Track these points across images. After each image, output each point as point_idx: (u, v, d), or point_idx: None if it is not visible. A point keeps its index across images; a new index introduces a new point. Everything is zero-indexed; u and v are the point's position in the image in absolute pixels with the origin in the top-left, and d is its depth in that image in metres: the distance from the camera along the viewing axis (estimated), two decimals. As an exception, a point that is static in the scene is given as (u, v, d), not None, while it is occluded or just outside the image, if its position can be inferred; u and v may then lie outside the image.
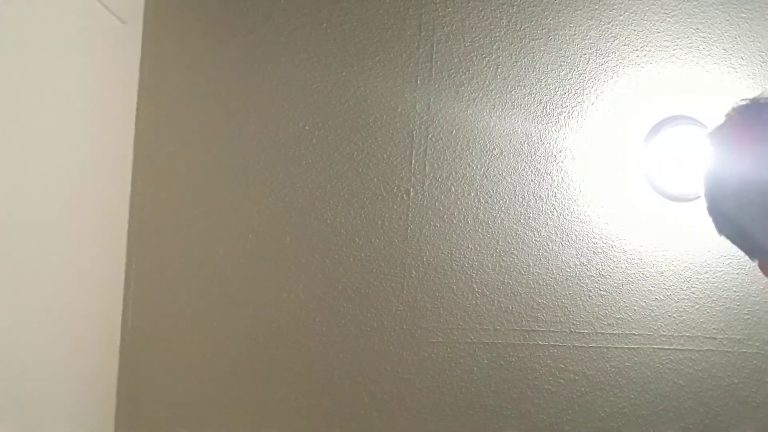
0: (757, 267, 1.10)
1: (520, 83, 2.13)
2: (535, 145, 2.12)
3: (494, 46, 2.14)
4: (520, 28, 2.14)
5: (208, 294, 2.14)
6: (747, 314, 2.03)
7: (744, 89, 2.05)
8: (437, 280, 2.10)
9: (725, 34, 2.08)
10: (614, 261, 2.08)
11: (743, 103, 1.06)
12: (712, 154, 1.08)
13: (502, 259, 2.10)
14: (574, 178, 2.11)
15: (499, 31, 2.14)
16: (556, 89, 2.12)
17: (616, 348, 2.06)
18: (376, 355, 2.09)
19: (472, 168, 2.12)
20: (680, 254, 2.06)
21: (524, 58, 2.13)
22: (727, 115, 1.07)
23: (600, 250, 2.08)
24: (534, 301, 2.08)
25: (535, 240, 2.10)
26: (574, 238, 2.09)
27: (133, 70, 2.16)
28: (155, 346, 2.13)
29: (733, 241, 1.09)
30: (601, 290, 2.08)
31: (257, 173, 2.15)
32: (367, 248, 2.12)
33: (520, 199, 2.11)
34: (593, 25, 2.12)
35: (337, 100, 2.16)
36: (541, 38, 2.13)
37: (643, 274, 2.07)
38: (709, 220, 1.09)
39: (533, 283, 2.09)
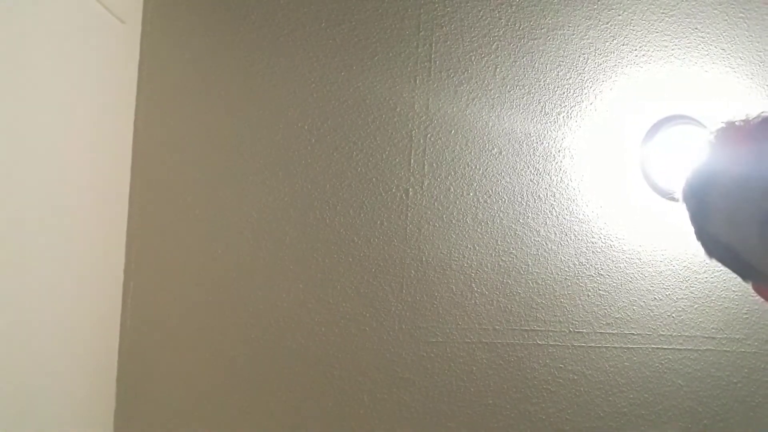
0: (751, 288, 1.08)
1: (519, 83, 2.13)
2: (534, 144, 2.12)
3: (493, 46, 2.14)
4: (519, 27, 2.14)
5: (208, 294, 2.14)
6: (746, 314, 2.03)
7: (742, 89, 2.06)
8: (436, 280, 2.10)
9: (724, 34, 2.08)
10: (613, 260, 2.08)
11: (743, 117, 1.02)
12: (696, 173, 1.03)
13: (501, 259, 2.10)
14: (573, 177, 2.11)
15: (498, 30, 2.14)
16: (555, 89, 2.12)
17: (615, 347, 2.06)
18: (375, 354, 2.10)
19: (471, 168, 2.12)
20: (679, 254, 2.06)
21: (523, 58, 2.14)
22: (723, 125, 1.03)
23: (599, 250, 2.09)
24: (533, 300, 2.09)
25: (534, 240, 2.10)
26: (573, 237, 2.09)
27: (132, 70, 2.16)
28: (154, 346, 2.13)
29: (725, 264, 1.05)
30: (600, 290, 2.08)
31: (256, 173, 2.15)
32: (366, 248, 2.12)
33: (519, 199, 2.11)
34: (592, 24, 2.13)
35: (336, 99, 2.16)
36: (540, 38, 2.14)
37: (641, 273, 2.08)
38: (698, 245, 1.07)
39: (532, 283, 2.09)
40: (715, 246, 1.04)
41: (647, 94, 2.09)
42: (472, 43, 2.15)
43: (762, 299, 1.07)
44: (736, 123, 1.01)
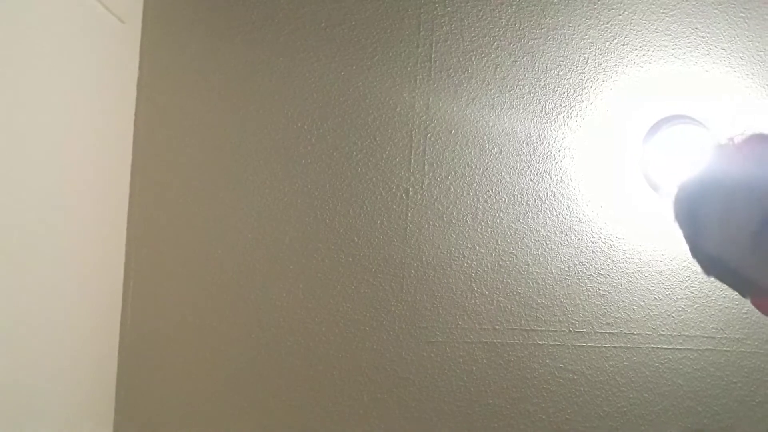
0: (751, 304, 1.07)
1: (519, 83, 2.13)
2: (534, 144, 2.12)
3: (493, 46, 2.14)
4: (519, 27, 2.14)
5: (208, 294, 2.14)
6: (746, 313, 2.03)
7: (743, 89, 2.06)
8: (436, 280, 2.10)
9: (724, 34, 2.08)
10: (613, 260, 2.08)
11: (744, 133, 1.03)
12: (686, 191, 1.04)
13: (501, 259, 2.10)
14: (573, 177, 2.11)
15: (498, 30, 2.14)
16: (555, 89, 2.12)
17: (614, 347, 2.06)
18: (375, 354, 2.10)
19: (471, 167, 2.12)
20: (679, 253, 2.06)
21: (523, 58, 2.13)
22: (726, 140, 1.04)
23: (599, 250, 2.09)
24: (533, 300, 2.09)
25: (534, 239, 2.10)
26: (573, 237, 2.09)
27: (132, 70, 2.16)
28: (154, 346, 2.13)
29: (723, 281, 1.06)
30: (600, 289, 2.08)
31: (256, 173, 2.15)
32: (366, 248, 2.12)
33: (519, 199, 2.11)
34: (592, 24, 2.12)
35: (336, 99, 2.16)
36: (540, 38, 2.13)
37: (641, 273, 2.07)
38: (694, 262, 1.07)
39: (532, 283, 2.09)
40: (710, 262, 1.05)
41: (647, 94, 2.09)
42: (472, 42, 2.15)
43: (763, 314, 1.06)
44: (722, 142, 1.03)
